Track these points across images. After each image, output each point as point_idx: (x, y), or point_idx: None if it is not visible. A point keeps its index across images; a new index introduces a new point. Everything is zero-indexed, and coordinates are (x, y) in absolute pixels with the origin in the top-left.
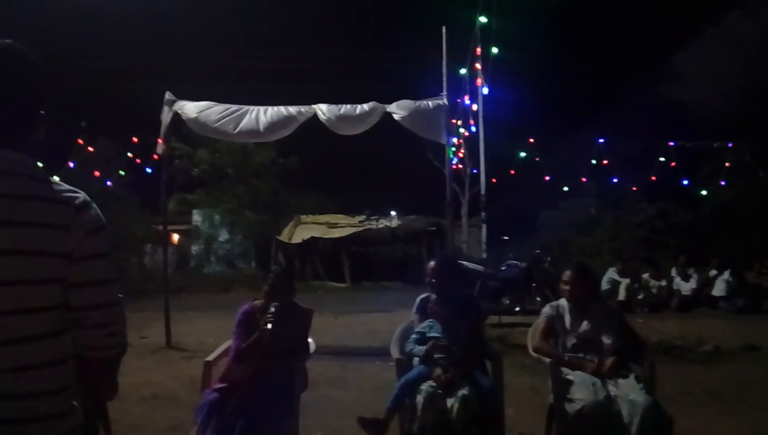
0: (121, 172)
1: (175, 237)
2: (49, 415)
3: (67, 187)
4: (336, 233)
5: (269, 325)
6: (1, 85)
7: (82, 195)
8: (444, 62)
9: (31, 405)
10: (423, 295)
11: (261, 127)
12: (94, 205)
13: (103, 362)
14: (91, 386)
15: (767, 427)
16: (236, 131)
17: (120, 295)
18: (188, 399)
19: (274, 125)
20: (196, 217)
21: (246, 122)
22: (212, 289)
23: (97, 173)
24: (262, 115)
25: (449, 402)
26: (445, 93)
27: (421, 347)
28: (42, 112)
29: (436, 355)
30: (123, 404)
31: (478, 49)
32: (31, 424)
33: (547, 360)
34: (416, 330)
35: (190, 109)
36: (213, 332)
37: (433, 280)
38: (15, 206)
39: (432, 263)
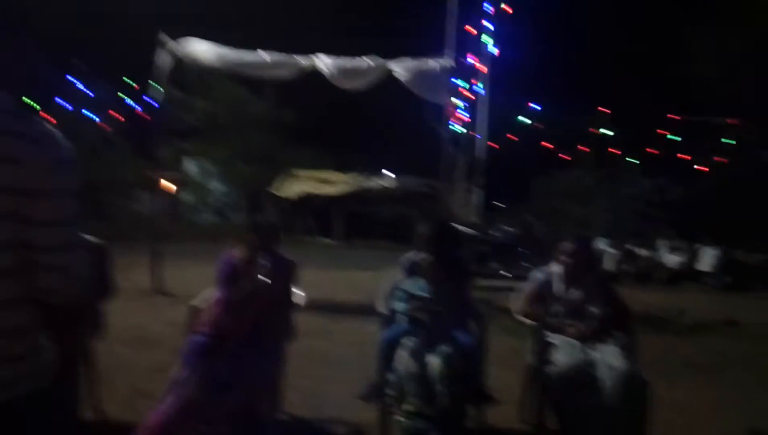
0: (115, 115)
1: (167, 184)
2: (8, 357)
3: (33, 118)
4: (329, 190)
5: (268, 280)
6: None
7: (43, 127)
8: (449, 18)
9: None
10: (409, 254)
11: (267, 59)
12: (58, 139)
13: (62, 306)
14: (57, 330)
15: (742, 398)
16: (240, 59)
17: (81, 237)
18: (173, 342)
19: (277, 63)
20: (189, 165)
21: (252, 55)
22: (202, 238)
23: (90, 115)
24: (266, 54)
25: (430, 358)
26: (450, 52)
27: (404, 304)
28: (3, 42)
29: (418, 314)
30: (108, 345)
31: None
32: None
33: (530, 322)
34: (402, 288)
35: (190, 44)
36: (200, 279)
37: (426, 243)
38: None
39: (426, 227)
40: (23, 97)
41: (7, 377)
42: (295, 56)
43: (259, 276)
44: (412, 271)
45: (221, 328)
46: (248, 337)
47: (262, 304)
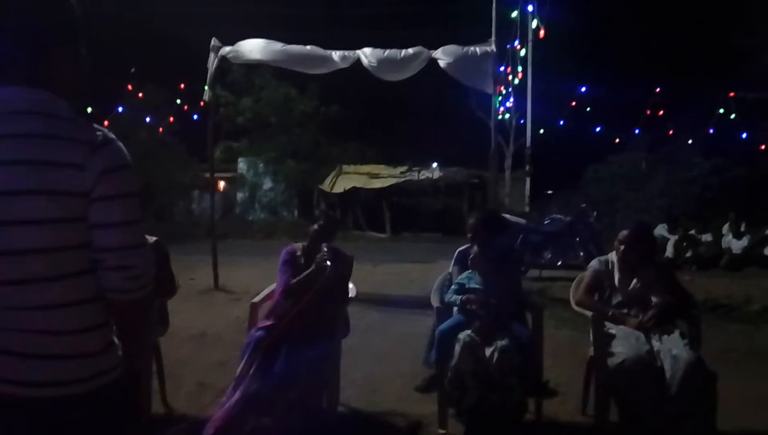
0: (170, 120)
1: (221, 184)
2: (81, 353)
3: (91, 126)
4: (377, 184)
5: (328, 262)
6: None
7: (102, 133)
8: (494, 4)
9: (59, 342)
10: (462, 247)
11: (309, 53)
12: (117, 144)
13: (127, 305)
14: (123, 328)
15: None
16: (283, 51)
17: (145, 238)
18: (234, 338)
19: (319, 58)
20: (241, 165)
21: (293, 47)
22: (256, 236)
23: (146, 120)
24: (309, 47)
25: (487, 352)
26: (493, 39)
27: (458, 296)
28: (62, 46)
29: (472, 307)
30: (172, 341)
31: None
32: (61, 361)
33: (589, 313)
34: (456, 281)
35: (241, 43)
36: (257, 276)
37: (475, 234)
38: (28, 145)
39: (474, 218)
40: (86, 106)
41: (83, 373)
42: (336, 52)
43: (318, 263)
44: (465, 263)
45: (280, 314)
46: (307, 328)
47: (320, 291)
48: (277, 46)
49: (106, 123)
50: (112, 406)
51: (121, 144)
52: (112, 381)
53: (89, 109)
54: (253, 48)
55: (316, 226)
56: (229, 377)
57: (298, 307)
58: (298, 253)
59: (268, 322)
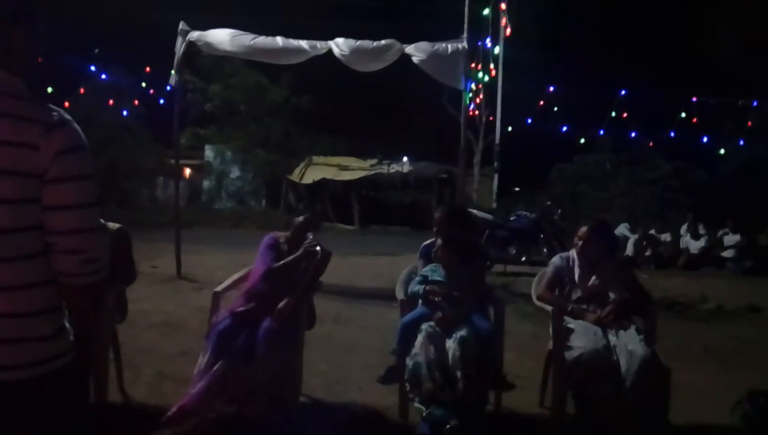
0: (135, 103)
1: (187, 171)
2: (32, 337)
3: (47, 106)
4: (347, 176)
5: (318, 247)
6: None
7: (59, 114)
8: (466, 1)
9: (9, 325)
10: (428, 241)
11: (280, 44)
12: (73, 125)
13: (79, 289)
14: (75, 312)
15: (762, 385)
16: (253, 44)
17: (100, 221)
18: (197, 327)
19: (290, 49)
20: (208, 152)
21: (263, 39)
22: (222, 225)
23: (110, 102)
24: (280, 40)
25: (447, 343)
26: (465, 35)
27: (421, 287)
28: (17, 25)
29: (435, 298)
30: (133, 329)
31: None
32: (10, 344)
33: (549, 308)
34: (420, 273)
35: (208, 32)
36: (222, 265)
37: (440, 228)
38: None
39: (439, 211)
40: (46, 86)
41: (33, 357)
42: (308, 42)
43: (307, 248)
44: (430, 256)
45: (256, 296)
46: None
47: (299, 278)
48: (247, 39)
49: (66, 104)
50: (64, 391)
51: (76, 125)
52: (64, 366)
53: (49, 90)
54: (223, 39)
55: (301, 219)
56: (190, 367)
57: (275, 292)
58: (281, 240)
59: (242, 308)
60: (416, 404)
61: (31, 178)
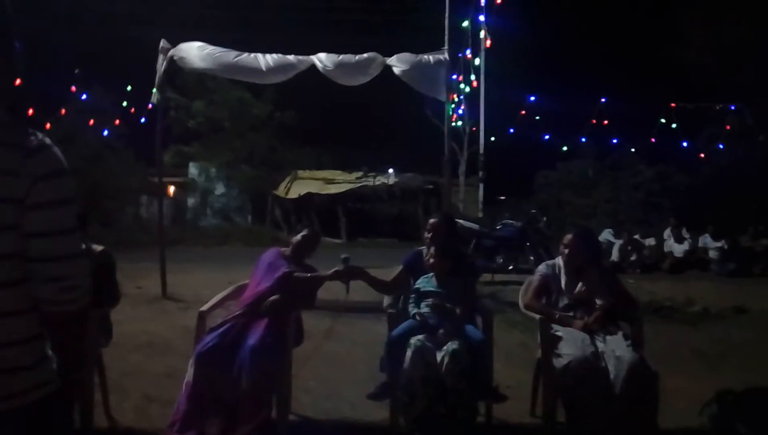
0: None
1: (171, 189)
2: (13, 367)
3: (26, 130)
4: (333, 189)
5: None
6: None
7: (38, 138)
8: (446, 14)
9: None
10: (415, 250)
11: (262, 66)
12: (52, 150)
13: (61, 317)
14: (58, 340)
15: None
16: (235, 62)
17: (81, 246)
18: (183, 348)
19: (273, 67)
20: (193, 169)
21: (245, 57)
22: (208, 242)
23: (91, 122)
24: (261, 57)
25: (438, 356)
26: (446, 47)
27: (413, 302)
28: None
29: (426, 311)
30: (118, 351)
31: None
32: None
33: (537, 317)
34: (414, 288)
35: (187, 47)
36: (208, 284)
37: (432, 235)
38: None
39: (433, 219)
40: (28, 108)
41: (16, 387)
42: (290, 57)
43: (339, 274)
44: (414, 268)
45: (250, 305)
46: (261, 327)
47: (292, 294)
48: (230, 56)
49: (48, 126)
50: (47, 420)
51: (57, 149)
52: (46, 395)
53: (30, 112)
54: (204, 58)
55: (299, 237)
56: (176, 389)
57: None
58: (285, 254)
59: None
60: (406, 421)
61: (11, 204)
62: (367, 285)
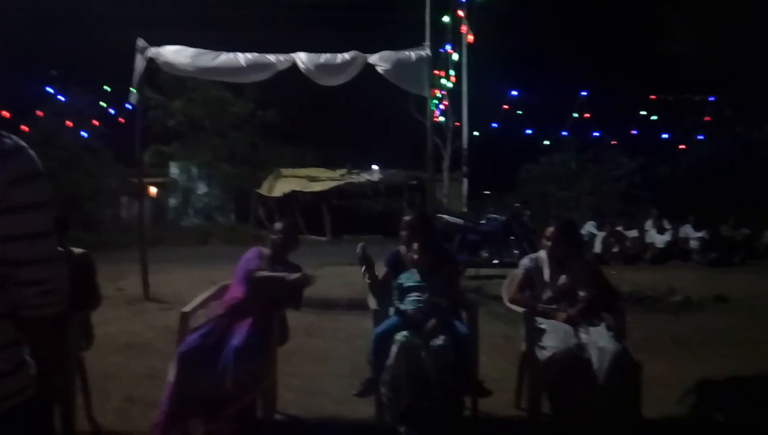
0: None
1: (152, 189)
2: None
3: (1, 133)
4: (316, 187)
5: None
6: None
7: (10, 141)
8: (427, 10)
9: None
10: (393, 251)
11: (242, 63)
12: (27, 152)
13: (39, 321)
14: (36, 345)
15: (730, 373)
16: (215, 64)
17: (58, 250)
18: (165, 348)
19: (253, 66)
20: (173, 169)
21: (225, 58)
22: (190, 242)
23: (69, 124)
24: (242, 56)
25: (423, 352)
26: (428, 43)
27: (398, 298)
28: None
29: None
30: (99, 353)
31: None
32: None
33: (521, 309)
34: (397, 283)
35: (165, 50)
36: (190, 284)
37: (409, 233)
38: None
39: (408, 217)
40: (1, 111)
41: None
42: (270, 56)
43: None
44: (395, 265)
45: (234, 308)
46: (243, 325)
47: (273, 290)
48: (209, 58)
49: (24, 128)
50: (27, 426)
51: (31, 152)
52: (25, 402)
53: (5, 114)
54: (183, 60)
55: (275, 237)
56: (158, 390)
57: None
58: (265, 254)
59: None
60: (396, 424)
61: None
62: (350, 282)
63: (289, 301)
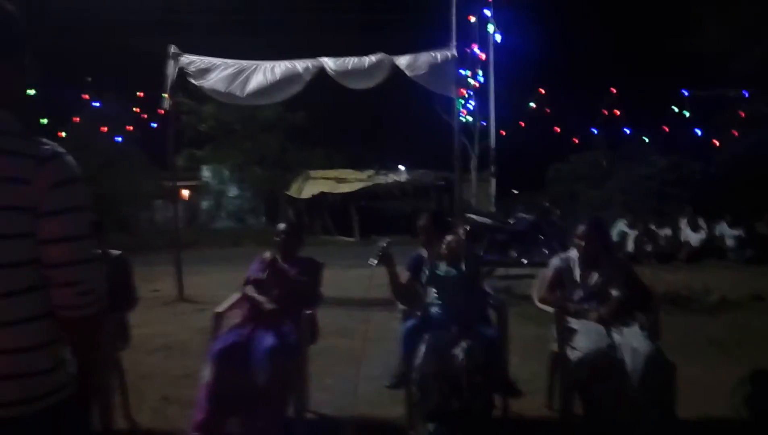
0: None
1: (185, 193)
2: (31, 372)
3: (39, 140)
4: (345, 188)
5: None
6: None
7: (50, 147)
8: (453, 9)
9: (8, 361)
10: (414, 255)
11: (270, 87)
12: (65, 158)
13: (78, 321)
14: (75, 344)
15: None
16: (245, 94)
17: (95, 252)
18: (200, 349)
19: (282, 83)
20: (205, 172)
21: (254, 83)
22: (222, 244)
23: (104, 129)
24: (269, 73)
25: (453, 353)
26: (454, 43)
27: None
28: (6, 60)
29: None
30: (136, 354)
31: None
32: (10, 380)
33: (552, 310)
34: (433, 273)
35: (197, 67)
36: (224, 285)
37: (426, 235)
38: None
39: (421, 221)
40: (42, 118)
41: (33, 392)
42: (298, 64)
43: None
44: (417, 269)
45: (254, 309)
46: (271, 325)
47: (287, 287)
48: (240, 85)
49: (61, 134)
50: (66, 424)
51: (69, 157)
52: (65, 398)
53: (44, 120)
54: (217, 88)
55: (278, 239)
56: (194, 390)
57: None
58: (269, 258)
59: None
60: (425, 423)
61: (25, 212)
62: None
63: (308, 301)
